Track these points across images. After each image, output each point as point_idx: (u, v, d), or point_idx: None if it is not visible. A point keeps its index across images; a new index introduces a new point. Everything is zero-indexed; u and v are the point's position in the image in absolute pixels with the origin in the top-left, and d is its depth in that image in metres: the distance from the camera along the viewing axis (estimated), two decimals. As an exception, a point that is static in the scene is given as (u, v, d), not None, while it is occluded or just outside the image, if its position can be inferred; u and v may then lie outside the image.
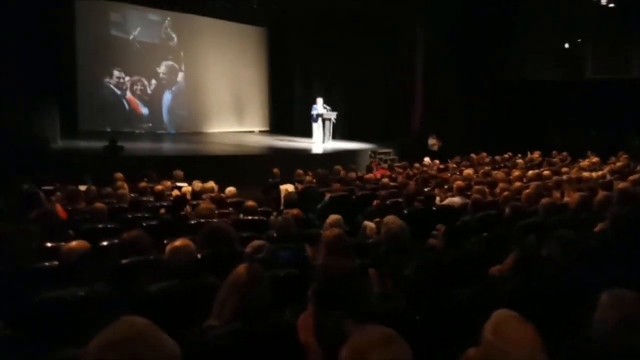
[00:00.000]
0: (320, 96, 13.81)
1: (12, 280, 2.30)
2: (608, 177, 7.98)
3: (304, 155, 12.44)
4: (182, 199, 5.30)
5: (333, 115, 13.50)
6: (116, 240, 3.12)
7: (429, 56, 13.92)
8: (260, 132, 17.49)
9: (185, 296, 2.27)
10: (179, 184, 7.70)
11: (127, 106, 14.91)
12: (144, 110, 15.31)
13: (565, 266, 2.33)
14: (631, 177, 6.61)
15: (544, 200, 4.54)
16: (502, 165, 11.16)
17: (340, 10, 13.72)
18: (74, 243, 2.42)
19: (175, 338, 1.46)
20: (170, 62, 15.70)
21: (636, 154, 11.00)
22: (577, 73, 13.41)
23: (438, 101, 13.85)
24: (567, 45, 13.58)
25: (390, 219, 3.56)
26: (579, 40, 13.34)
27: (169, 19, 15.43)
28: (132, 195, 6.71)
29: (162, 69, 15.59)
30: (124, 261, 2.61)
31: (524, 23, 13.44)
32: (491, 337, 1.32)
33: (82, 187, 6.71)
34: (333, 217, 3.58)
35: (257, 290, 1.75)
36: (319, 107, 13.50)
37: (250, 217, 4.78)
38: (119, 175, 7.46)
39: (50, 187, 6.86)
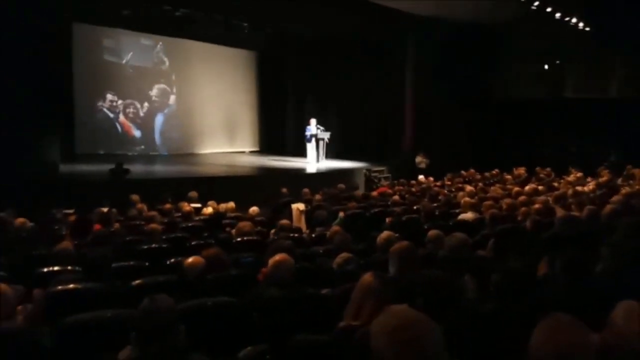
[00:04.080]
0: (313, 117, 14.21)
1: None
2: (597, 191, 8.58)
3: (301, 175, 12.73)
4: (218, 218, 5.52)
5: (326, 135, 13.88)
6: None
7: (419, 78, 14.50)
8: (251, 152, 17.74)
9: (294, 304, 2.53)
10: (194, 205, 7.89)
11: (120, 129, 14.99)
12: (137, 133, 15.41)
13: (618, 269, 2.70)
14: (624, 191, 7.14)
15: (560, 214, 4.95)
16: (492, 181, 11.72)
17: (332, 34, 14.20)
18: (191, 259, 2.66)
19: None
20: (162, 86, 15.89)
21: (614, 169, 11.72)
22: (556, 92, 14.22)
23: (427, 121, 14.40)
24: (546, 67, 14.42)
25: (434, 233, 3.91)
26: (557, 62, 14.19)
27: (160, 43, 15.66)
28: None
29: (154, 92, 15.75)
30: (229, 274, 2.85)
31: (510, 46, 14.25)
32: (622, 322, 1.62)
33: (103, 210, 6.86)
34: (387, 233, 3.88)
35: (388, 293, 2.04)
36: (312, 127, 13.88)
37: (291, 235, 5.04)
38: (136, 197, 7.63)
39: (70, 211, 6.99)
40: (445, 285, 2.17)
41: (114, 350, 1.93)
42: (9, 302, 2.23)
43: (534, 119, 14.49)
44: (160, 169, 13.27)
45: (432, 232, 4.00)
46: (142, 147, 15.39)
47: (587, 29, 12.46)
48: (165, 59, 15.91)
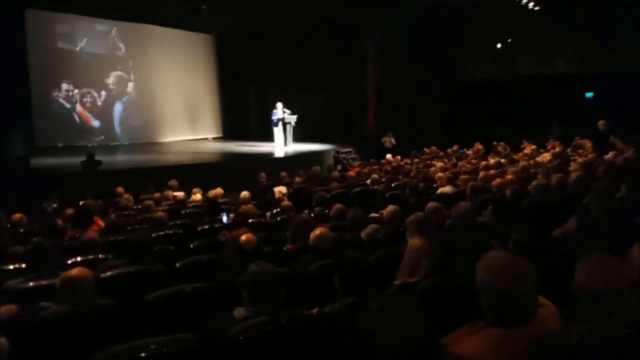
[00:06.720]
0: (277, 101, 14.28)
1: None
2: (553, 161, 9.33)
3: (273, 159, 12.86)
4: (214, 204, 5.68)
5: (293, 119, 14.03)
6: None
7: (380, 60, 14.87)
8: (214, 139, 17.64)
9: (341, 270, 2.80)
10: (176, 193, 7.95)
11: (77, 120, 14.54)
12: (95, 123, 14.99)
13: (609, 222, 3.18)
14: (580, 160, 7.84)
15: (534, 182, 5.46)
16: (454, 157, 12.36)
17: (292, 17, 14.23)
18: (245, 236, 2.87)
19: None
20: (119, 73, 15.47)
21: (560, 141, 12.58)
22: (509, 71, 15.01)
23: (389, 102, 14.83)
24: (499, 46, 15.16)
25: (433, 205, 4.28)
26: (509, 40, 14.94)
27: (115, 28, 15.20)
28: (138, 207, 6.95)
29: (111, 79, 15.33)
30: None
31: (468, 29, 14.86)
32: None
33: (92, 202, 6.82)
34: (393, 207, 4.20)
35: (438, 253, 2.36)
36: (279, 111, 13.99)
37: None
38: (121, 189, 7.61)
39: (55, 205, 6.92)
40: (480, 245, 2.51)
41: (204, 319, 2.16)
42: (90, 284, 2.38)
43: (487, 97, 15.20)
44: (126, 159, 13.01)
45: (431, 204, 4.38)
46: (102, 137, 15.00)
47: (537, 8, 13.21)
48: (121, 45, 15.46)
